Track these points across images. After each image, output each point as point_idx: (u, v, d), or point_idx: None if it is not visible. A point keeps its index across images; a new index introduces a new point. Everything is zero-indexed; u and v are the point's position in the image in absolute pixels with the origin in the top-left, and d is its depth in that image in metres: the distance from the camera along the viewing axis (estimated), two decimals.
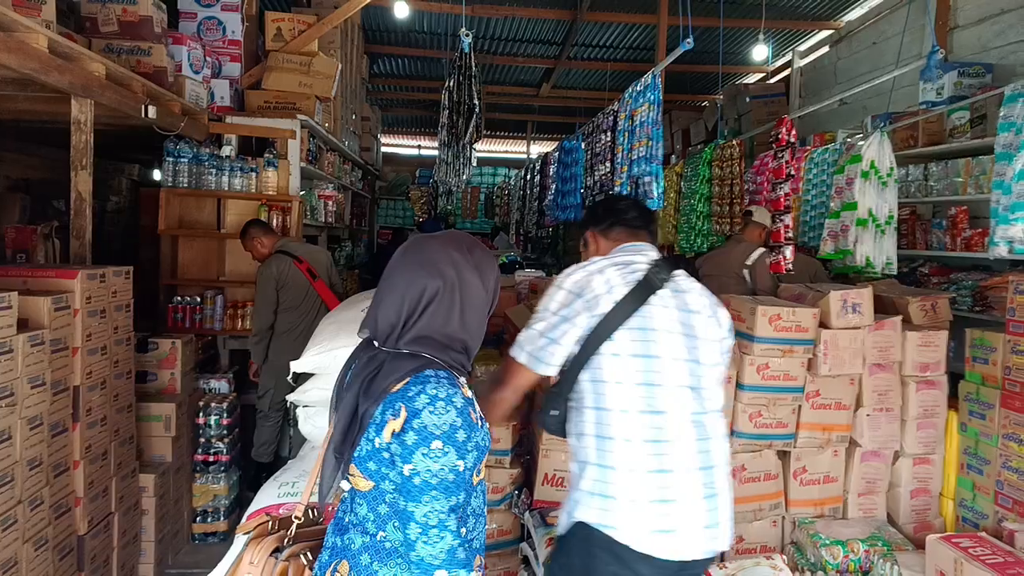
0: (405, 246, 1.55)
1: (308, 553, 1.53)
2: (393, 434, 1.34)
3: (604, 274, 1.86)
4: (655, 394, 1.79)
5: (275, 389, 4.11)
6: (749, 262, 4.33)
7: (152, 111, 3.81)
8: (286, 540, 1.54)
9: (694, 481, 1.79)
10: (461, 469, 1.34)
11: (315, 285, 4.26)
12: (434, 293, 1.44)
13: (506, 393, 1.90)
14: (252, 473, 4.27)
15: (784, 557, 2.90)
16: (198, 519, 3.88)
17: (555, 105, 11.82)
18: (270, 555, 1.50)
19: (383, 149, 12.89)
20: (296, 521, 1.57)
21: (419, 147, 14.86)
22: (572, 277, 1.88)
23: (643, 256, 1.93)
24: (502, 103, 11.95)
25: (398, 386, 1.38)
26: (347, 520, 1.45)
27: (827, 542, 3.05)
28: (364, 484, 1.40)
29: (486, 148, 14.88)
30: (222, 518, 3.88)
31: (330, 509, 1.62)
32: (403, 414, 1.35)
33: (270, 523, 1.58)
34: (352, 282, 7.64)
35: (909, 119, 5.17)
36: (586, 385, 1.83)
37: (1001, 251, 3.30)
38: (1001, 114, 3.33)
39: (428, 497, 1.31)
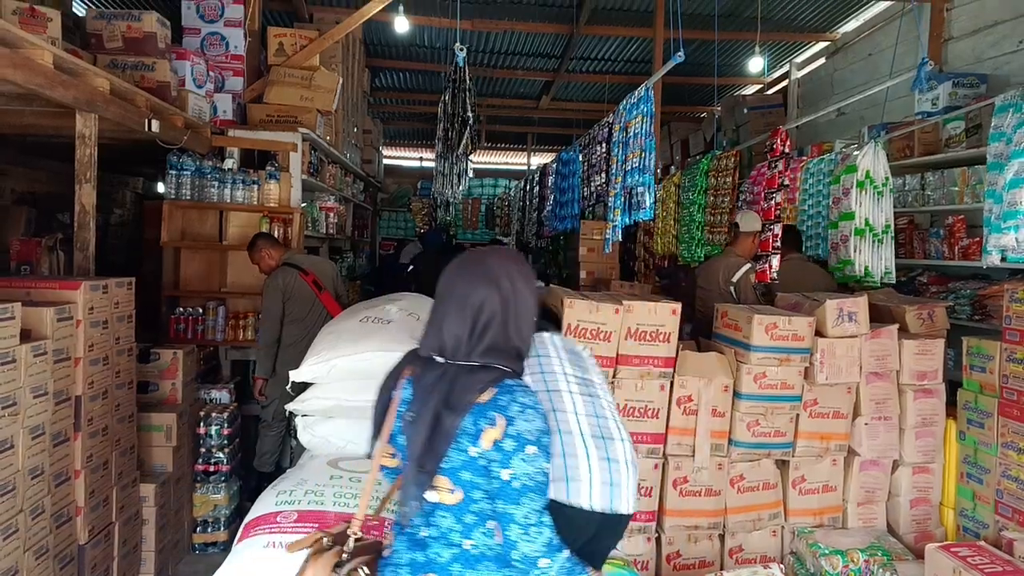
0: (459, 261, 1.64)
1: (365, 567, 1.56)
2: (495, 442, 1.44)
3: None
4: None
5: (280, 400, 4.14)
6: (734, 279, 4.34)
7: (155, 125, 3.86)
8: (343, 555, 1.57)
9: (590, 445, 1.90)
10: (547, 470, 1.49)
11: (321, 297, 4.29)
12: (495, 304, 1.54)
13: None
14: (254, 484, 4.28)
15: (782, 567, 2.91)
16: (198, 529, 3.89)
17: (555, 117, 11.89)
18: (332, 571, 1.54)
19: (385, 161, 12.95)
20: (353, 536, 1.60)
21: (420, 159, 14.94)
22: None
23: None
24: (503, 115, 12.03)
25: (485, 397, 1.46)
26: (424, 535, 1.52)
27: (826, 552, 3.06)
28: (451, 497, 1.48)
29: (487, 160, 14.94)
30: (222, 528, 3.89)
31: (366, 518, 1.65)
32: (500, 422, 1.44)
33: (325, 539, 1.61)
34: (354, 293, 7.66)
35: (904, 129, 5.20)
36: None
37: (994, 259, 3.32)
38: (992, 124, 3.37)
39: (526, 499, 1.44)
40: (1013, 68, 5.25)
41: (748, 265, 4.40)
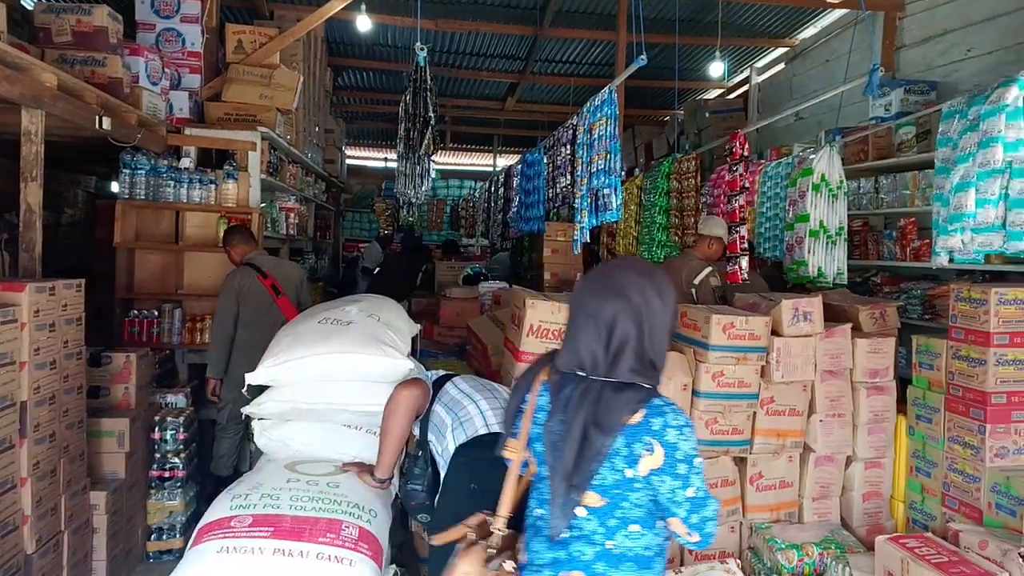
0: (590, 275, 1.70)
1: (511, 561, 1.64)
2: (652, 470, 1.51)
3: None
4: None
5: (234, 403, 4.07)
6: (696, 282, 4.42)
7: (107, 122, 3.76)
8: (490, 550, 1.66)
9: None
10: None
11: (278, 302, 4.20)
12: (628, 319, 1.56)
13: None
14: (211, 488, 4.19)
15: (738, 562, 2.95)
16: (153, 537, 3.79)
17: (520, 119, 11.92)
18: (483, 566, 1.62)
19: (349, 161, 12.83)
20: (499, 532, 1.67)
21: (385, 159, 14.84)
22: None
23: None
24: (468, 116, 12.01)
25: (635, 418, 1.51)
26: (564, 535, 1.58)
27: (782, 546, 3.11)
28: (598, 501, 1.54)
29: (453, 161, 14.91)
30: (178, 535, 3.80)
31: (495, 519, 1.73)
32: (659, 451, 1.50)
33: (470, 533, 1.70)
34: (316, 295, 7.56)
35: (859, 133, 5.33)
36: None
37: (942, 261, 3.42)
38: (939, 130, 3.46)
39: (712, 501, 1.59)
40: (961, 76, 5.41)
41: (709, 269, 4.47)
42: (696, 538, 1.58)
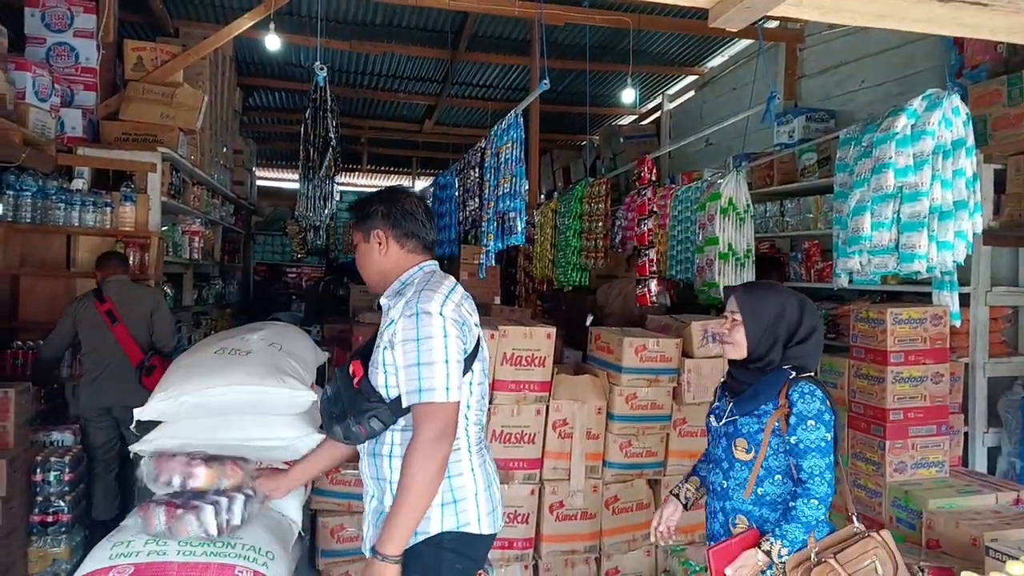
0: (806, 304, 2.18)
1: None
2: None
3: (464, 305, 1.99)
4: (482, 408, 2.04)
5: (83, 434, 3.90)
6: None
7: None
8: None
9: (490, 469, 2.05)
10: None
11: (114, 330, 3.94)
12: None
13: (450, 440, 1.84)
14: (102, 532, 3.88)
15: None
16: None
17: (439, 141, 11.87)
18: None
19: (262, 183, 12.45)
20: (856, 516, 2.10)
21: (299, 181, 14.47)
22: (447, 306, 1.89)
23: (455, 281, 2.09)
24: (385, 138, 11.88)
25: None
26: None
27: (697, 569, 3.11)
28: None
29: (370, 182, 14.69)
30: None
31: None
32: None
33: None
34: (224, 322, 7.24)
35: (765, 159, 5.55)
36: None
37: (842, 282, 3.56)
38: (837, 156, 3.62)
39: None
40: (856, 105, 5.72)
41: (659, 289, 4.59)
42: None
